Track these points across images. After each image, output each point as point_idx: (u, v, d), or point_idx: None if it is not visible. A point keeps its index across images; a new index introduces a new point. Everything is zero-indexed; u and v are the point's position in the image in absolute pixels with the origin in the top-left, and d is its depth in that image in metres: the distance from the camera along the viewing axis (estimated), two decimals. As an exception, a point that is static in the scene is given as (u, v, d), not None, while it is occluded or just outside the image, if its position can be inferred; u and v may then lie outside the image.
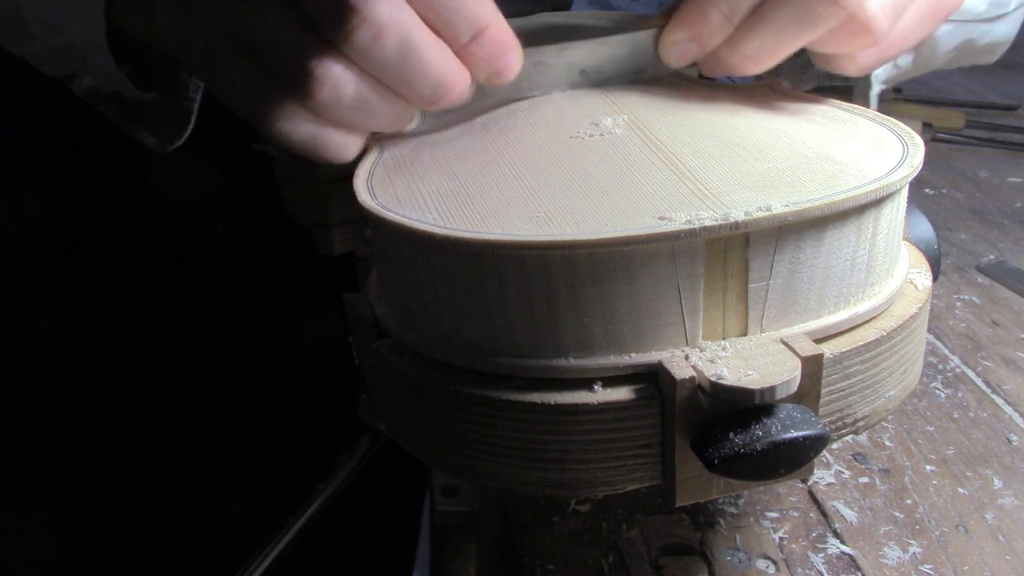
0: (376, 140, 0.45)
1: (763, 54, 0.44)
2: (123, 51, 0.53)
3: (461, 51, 0.40)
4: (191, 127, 0.59)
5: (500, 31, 0.40)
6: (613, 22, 0.53)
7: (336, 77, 0.38)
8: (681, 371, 0.34)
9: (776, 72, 0.53)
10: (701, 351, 0.36)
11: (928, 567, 0.48)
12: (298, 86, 0.39)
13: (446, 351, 0.38)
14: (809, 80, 0.54)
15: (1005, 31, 0.66)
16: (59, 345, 0.75)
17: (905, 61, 0.60)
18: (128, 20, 0.52)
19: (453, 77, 0.40)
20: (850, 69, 0.47)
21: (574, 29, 0.52)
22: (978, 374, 0.64)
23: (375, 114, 0.41)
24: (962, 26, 0.62)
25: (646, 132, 0.43)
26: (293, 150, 0.42)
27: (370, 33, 0.37)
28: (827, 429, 0.34)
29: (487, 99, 0.46)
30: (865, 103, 0.57)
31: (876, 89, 0.57)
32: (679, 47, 0.45)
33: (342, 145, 0.42)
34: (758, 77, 0.53)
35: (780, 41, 0.43)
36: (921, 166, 0.39)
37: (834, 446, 0.56)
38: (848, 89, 0.56)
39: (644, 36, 0.48)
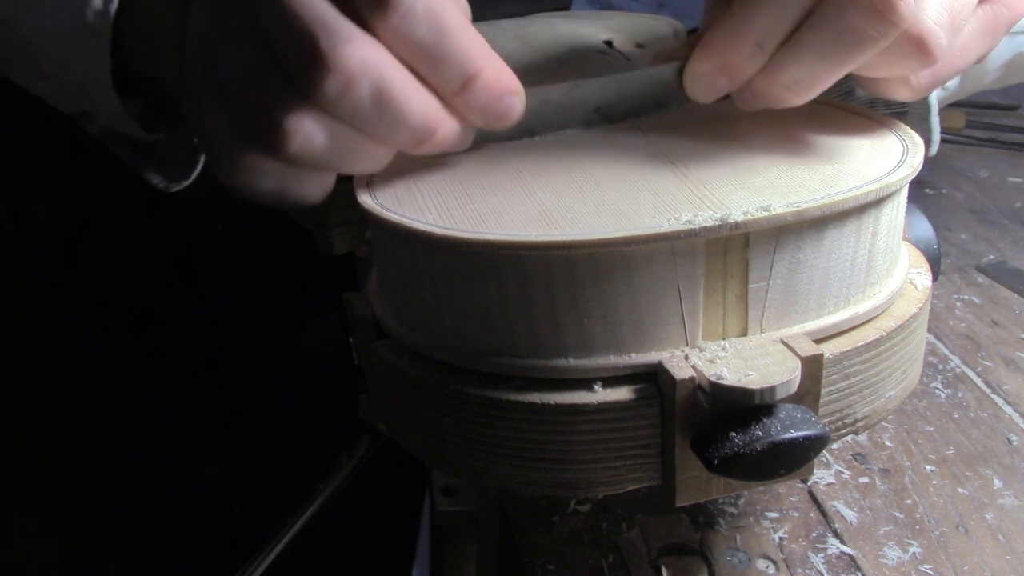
0: None
1: (804, 83, 0.38)
2: (134, 89, 0.52)
3: (453, 98, 0.37)
4: (199, 167, 0.58)
5: (495, 75, 0.37)
6: (621, 33, 0.51)
7: (307, 130, 0.36)
8: (681, 371, 0.34)
9: (845, 95, 0.49)
10: (701, 351, 0.36)
11: (928, 567, 0.48)
12: (267, 138, 0.36)
13: (446, 351, 0.38)
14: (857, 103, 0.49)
15: None
16: (59, 345, 0.75)
17: (953, 83, 0.55)
18: (134, 55, 0.51)
19: (434, 121, 0.37)
20: (903, 94, 0.41)
21: (579, 52, 0.50)
22: (978, 374, 0.64)
23: (351, 160, 0.38)
24: (1010, 39, 0.57)
25: (646, 132, 0.43)
26: (258, 201, 0.39)
27: (340, 83, 0.34)
28: (827, 429, 0.35)
29: (491, 140, 0.43)
30: (925, 130, 0.53)
31: (935, 110, 0.53)
32: (707, 81, 0.40)
33: (311, 190, 0.39)
34: None
35: (823, 68, 0.37)
36: (921, 166, 0.39)
37: (834, 446, 0.56)
38: (903, 114, 0.51)
39: (664, 71, 0.44)
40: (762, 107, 0.41)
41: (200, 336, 0.77)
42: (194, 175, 0.56)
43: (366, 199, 0.39)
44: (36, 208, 0.73)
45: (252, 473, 0.82)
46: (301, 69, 0.35)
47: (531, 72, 0.41)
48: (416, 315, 0.39)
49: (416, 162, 0.42)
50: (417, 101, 0.36)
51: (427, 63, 0.36)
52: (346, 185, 0.41)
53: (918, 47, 0.37)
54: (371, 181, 0.40)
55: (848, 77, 0.41)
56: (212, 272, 0.77)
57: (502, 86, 0.37)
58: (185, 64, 0.41)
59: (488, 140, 0.43)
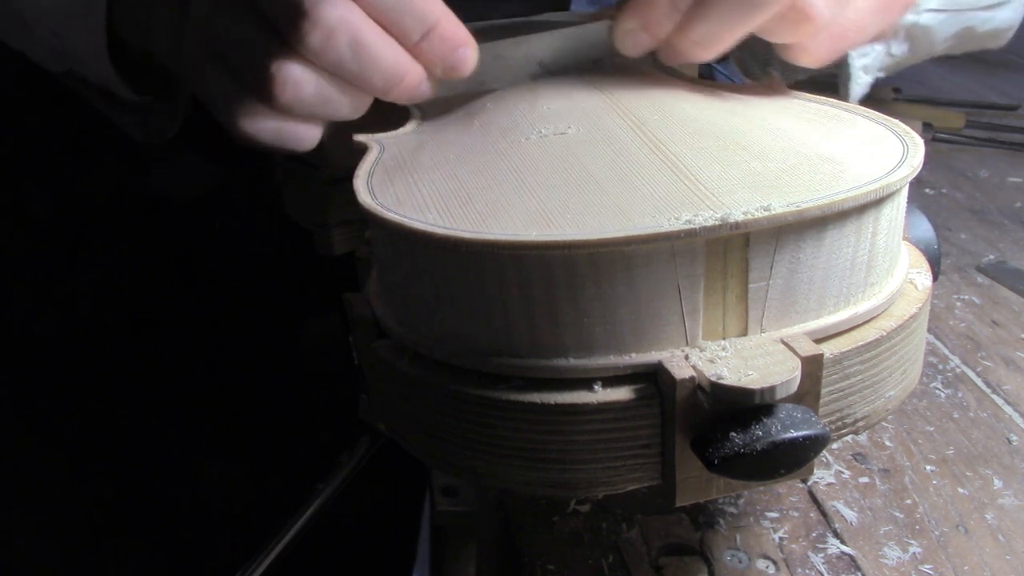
0: (376, 140, 0.45)
1: (710, 40, 0.44)
2: (123, 59, 0.54)
3: (414, 48, 0.43)
4: (177, 127, 0.60)
5: (450, 27, 0.43)
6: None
7: (296, 77, 0.42)
8: (681, 371, 0.34)
9: (765, 64, 0.54)
10: (701, 351, 0.36)
11: (928, 567, 0.48)
12: (263, 88, 0.42)
13: (446, 351, 0.38)
14: (797, 72, 0.55)
15: (1008, 17, 0.65)
16: (59, 345, 0.75)
17: (899, 50, 0.59)
18: (127, 30, 0.54)
19: (403, 68, 0.43)
20: (805, 59, 0.47)
21: (544, 26, 0.54)
22: (978, 374, 0.64)
23: (335, 105, 0.44)
24: (957, 15, 0.61)
25: (646, 132, 0.43)
26: (260, 146, 0.45)
27: (322, 34, 0.41)
28: (827, 429, 0.34)
29: (453, 91, 0.48)
30: (846, 94, 0.57)
31: (865, 79, 0.57)
32: (632, 36, 0.46)
33: (306, 136, 0.45)
34: (751, 74, 0.53)
35: (725, 27, 0.44)
36: (921, 166, 0.39)
37: (834, 446, 0.56)
38: (833, 80, 0.57)
39: (598, 27, 0.50)
40: (680, 62, 0.47)
41: (200, 336, 0.77)
42: (172, 134, 0.60)
43: (366, 199, 0.39)
44: (36, 208, 0.73)
45: (252, 473, 0.82)
46: (289, 26, 0.41)
47: (484, 32, 0.47)
48: (416, 315, 0.39)
49: (416, 162, 0.42)
50: (387, 49, 0.43)
51: (392, 18, 0.42)
52: (346, 185, 0.41)
53: (801, 15, 0.43)
54: (371, 181, 0.41)
55: (776, 60, 0.47)
56: (212, 272, 0.77)
57: (457, 38, 0.44)
58: (186, 45, 0.46)
59: (449, 92, 0.48)
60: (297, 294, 0.78)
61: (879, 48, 0.57)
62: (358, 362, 0.43)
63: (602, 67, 0.51)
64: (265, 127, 0.44)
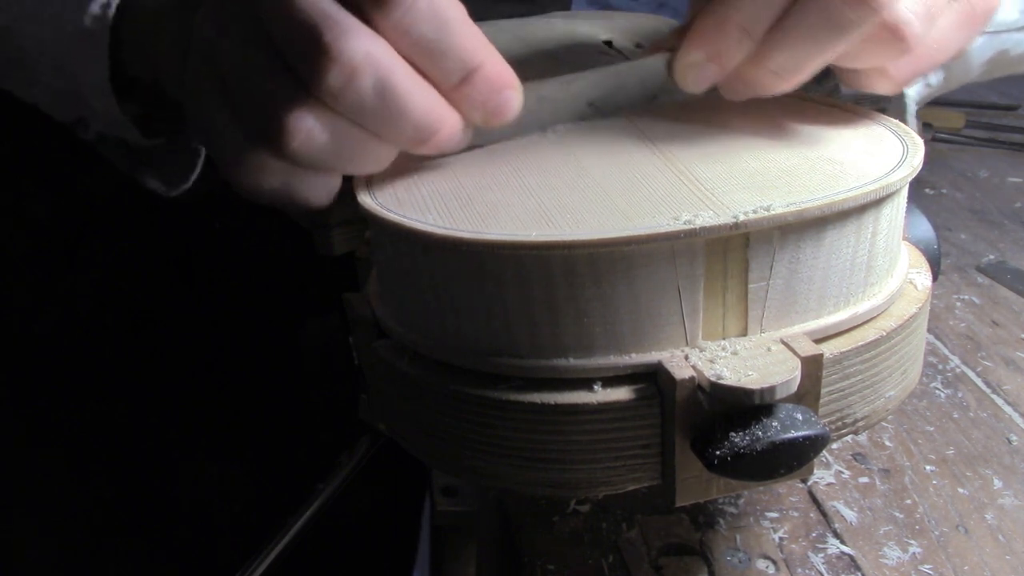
0: None
1: (790, 68, 0.39)
2: (131, 93, 0.52)
3: (452, 92, 0.37)
4: (198, 171, 0.57)
5: (495, 69, 0.37)
6: (621, 33, 0.52)
7: (308, 127, 0.36)
8: (681, 371, 0.34)
9: (819, 80, 0.51)
10: (701, 351, 0.36)
11: (928, 567, 0.48)
12: (269, 136, 0.36)
13: (446, 351, 0.38)
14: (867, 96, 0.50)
15: None
16: (59, 345, 0.75)
17: (936, 79, 0.56)
18: (133, 59, 0.51)
19: (438, 117, 0.37)
20: (883, 85, 0.42)
21: (577, 51, 0.50)
22: (978, 374, 0.64)
23: (354, 159, 0.38)
24: (994, 37, 0.59)
25: (646, 132, 0.43)
26: (265, 201, 0.39)
27: (344, 75, 0.34)
28: (827, 429, 0.35)
29: (488, 140, 0.43)
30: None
31: (912, 108, 0.53)
32: (697, 70, 0.40)
33: (317, 192, 0.40)
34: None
35: (808, 52, 0.38)
36: (921, 166, 0.39)
37: (834, 446, 0.56)
38: (881, 111, 0.54)
39: (655, 62, 0.44)
40: (751, 95, 0.41)
41: (200, 336, 0.77)
42: (192, 179, 0.56)
43: (366, 199, 0.39)
44: (36, 208, 0.73)
45: (252, 473, 0.82)
46: (305, 62, 0.35)
47: (527, 69, 0.41)
48: (416, 315, 0.39)
49: (416, 162, 0.42)
50: (419, 95, 0.36)
51: (428, 58, 0.36)
52: (346, 185, 0.41)
53: (894, 34, 0.38)
54: (371, 181, 0.40)
55: (832, 75, 0.41)
56: (212, 272, 0.77)
57: (502, 80, 0.37)
58: (188, 65, 0.40)
59: (484, 142, 0.42)
60: (297, 294, 0.78)
61: (919, 78, 0.53)
62: (358, 362, 0.43)
63: (658, 106, 0.46)
64: (271, 179, 0.38)
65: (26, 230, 0.73)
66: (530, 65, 0.47)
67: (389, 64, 0.35)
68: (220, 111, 0.38)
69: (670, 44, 0.43)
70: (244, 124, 0.37)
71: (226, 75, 0.38)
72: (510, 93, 0.38)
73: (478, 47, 0.37)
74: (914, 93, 0.54)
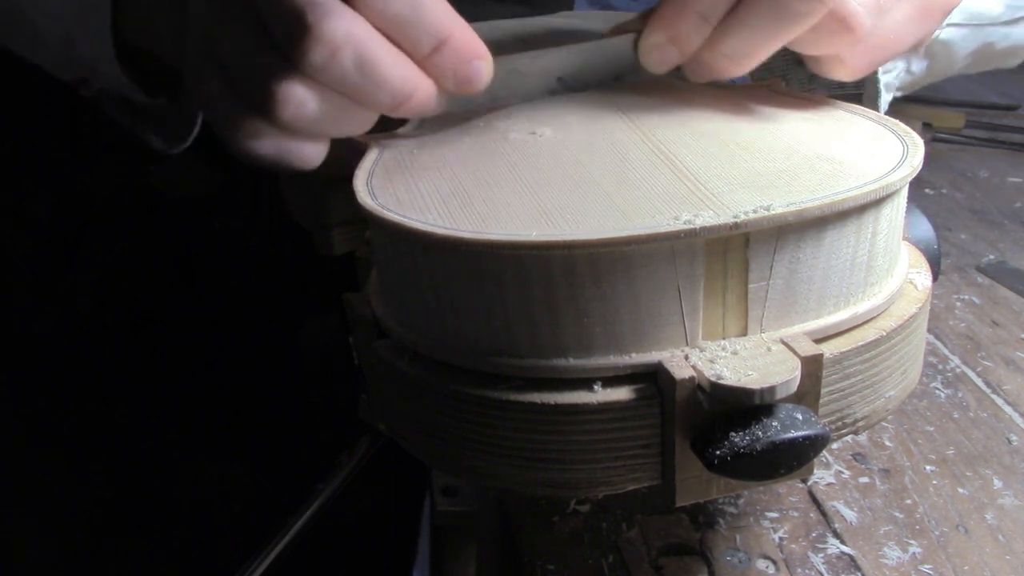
0: (376, 141, 0.45)
1: (742, 53, 0.42)
2: (131, 60, 0.54)
3: (424, 62, 0.40)
4: (196, 130, 0.59)
5: (464, 40, 0.40)
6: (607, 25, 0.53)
7: (299, 97, 0.39)
8: (681, 371, 0.34)
9: (783, 79, 0.52)
10: (701, 351, 0.36)
11: (928, 567, 0.48)
12: (263, 106, 0.40)
13: (446, 351, 0.38)
14: (817, 89, 0.53)
15: None
16: (59, 345, 0.75)
17: (919, 67, 0.58)
18: (134, 32, 0.53)
19: (413, 85, 0.40)
20: (840, 72, 0.45)
21: (563, 35, 0.52)
22: (978, 374, 0.64)
23: (340, 123, 0.41)
24: (978, 30, 0.60)
25: (646, 132, 0.43)
26: (260, 163, 0.43)
27: (326, 52, 0.38)
28: (827, 429, 0.34)
29: (465, 106, 0.45)
30: (874, 110, 0.55)
31: (887, 96, 0.55)
32: (659, 50, 0.44)
33: (309, 154, 0.43)
34: (757, 79, 0.52)
35: (759, 39, 0.42)
36: (921, 166, 0.39)
37: (834, 446, 0.56)
38: (857, 96, 0.54)
39: (621, 41, 0.47)
40: (708, 78, 0.44)
41: (200, 336, 0.77)
42: (192, 137, 0.58)
43: (366, 199, 0.39)
44: (36, 208, 0.73)
45: (252, 473, 0.82)
46: (291, 42, 0.38)
47: (500, 45, 0.44)
48: (416, 315, 0.39)
49: (416, 162, 0.42)
50: (395, 66, 0.40)
51: (402, 31, 0.40)
52: (346, 185, 0.41)
53: (842, 25, 0.41)
54: (371, 181, 0.41)
55: (803, 65, 0.44)
56: (212, 272, 0.77)
57: (470, 50, 0.41)
58: (186, 42, 0.44)
59: (461, 108, 0.45)
60: (297, 294, 0.78)
61: (900, 65, 0.56)
62: (358, 362, 0.43)
63: (623, 83, 0.49)
64: (265, 144, 0.42)
65: (26, 230, 0.73)
66: (503, 41, 0.50)
67: (367, 40, 0.39)
68: (218, 85, 0.42)
69: (636, 26, 0.46)
70: (240, 96, 0.41)
71: (222, 52, 0.41)
72: (479, 63, 0.41)
73: (447, 21, 0.40)
74: (895, 80, 0.56)
